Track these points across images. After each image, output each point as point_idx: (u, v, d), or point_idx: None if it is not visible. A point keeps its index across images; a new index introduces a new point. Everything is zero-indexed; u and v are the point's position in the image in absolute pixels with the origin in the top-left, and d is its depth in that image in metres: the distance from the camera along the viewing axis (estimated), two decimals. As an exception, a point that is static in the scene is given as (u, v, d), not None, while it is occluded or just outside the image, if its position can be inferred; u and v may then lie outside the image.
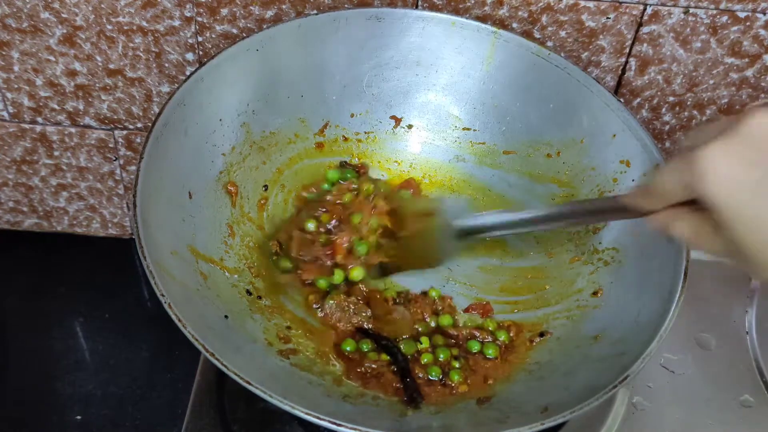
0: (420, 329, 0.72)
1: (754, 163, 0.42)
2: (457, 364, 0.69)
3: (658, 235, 0.67)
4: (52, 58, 0.82)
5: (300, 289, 0.73)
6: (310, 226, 0.74)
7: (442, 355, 0.69)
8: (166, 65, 0.83)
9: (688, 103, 0.84)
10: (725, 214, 0.43)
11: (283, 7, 0.78)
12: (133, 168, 0.91)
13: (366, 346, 0.70)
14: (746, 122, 0.42)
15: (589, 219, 0.68)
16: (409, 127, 0.82)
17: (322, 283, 0.72)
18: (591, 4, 0.77)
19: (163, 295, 0.57)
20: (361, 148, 0.82)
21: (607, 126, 0.74)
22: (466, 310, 0.74)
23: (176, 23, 0.79)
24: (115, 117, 0.87)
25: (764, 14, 0.77)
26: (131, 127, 0.89)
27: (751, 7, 0.76)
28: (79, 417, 0.86)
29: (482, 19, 0.79)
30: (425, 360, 0.69)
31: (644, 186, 0.51)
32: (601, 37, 0.79)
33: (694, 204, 0.47)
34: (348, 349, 0.69)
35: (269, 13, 0.79)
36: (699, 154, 0.43)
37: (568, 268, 0.74)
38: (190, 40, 0.81)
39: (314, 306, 0.72)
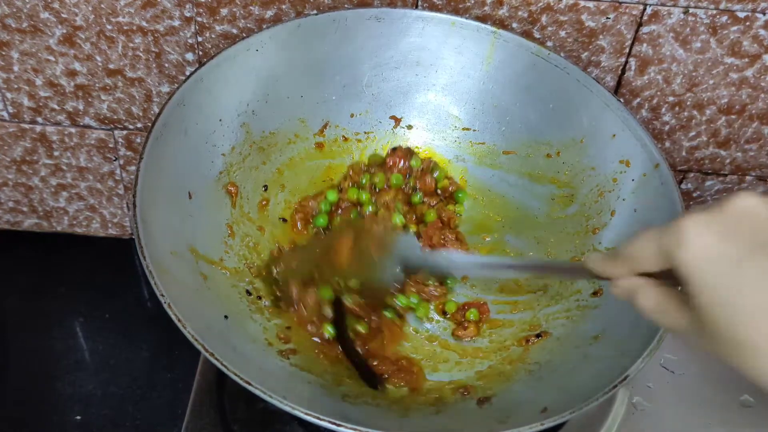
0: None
1: (734, 240, 0.42)
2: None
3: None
4: (52, 58, 0.82)
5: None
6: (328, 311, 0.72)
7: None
8: (166, 65, 0.83)
9: (688, 103, 0.84)
10: (696, 286, 0.42)
11: (283, 7, 0.78)
12: (133, 168, 0.91)
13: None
14: (732, 201, 0.43)
15: (549, 275, 0.73)
16: (409, 127, 0.82)
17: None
18: (591, 4, 0.77)
19: (163, 295, 0.57)
20: (361, 148, 0.82)
21: (606, 126, 0.74)
22: (462, 308, 0.74)
23: (176, 23, 0.79)
24: (115, 117, 0.87)
25: (764, 14, 0.77)
26: (131, 127, 0.89)
27: (751, 7, 0.76)
28: (79, 417, 0.86)
29: (482, 19, 0.79)
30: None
31: (617, 250, 0.50)
32: (600, 37, 0.79)
33: (661, 278, 0.47)
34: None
35: (269, 13, 0.79)
36: (680, 222, 0.43)
37: (568, 268, 0.74)
38: (190, 40, 0.81)
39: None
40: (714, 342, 0.43)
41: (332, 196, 0.77)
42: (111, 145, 0.90)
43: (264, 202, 0.76)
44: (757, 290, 0.41)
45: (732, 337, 0.42)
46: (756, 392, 0.78)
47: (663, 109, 0.85)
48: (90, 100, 0.86)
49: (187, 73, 0.79)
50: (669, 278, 0.46)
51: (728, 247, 0.42)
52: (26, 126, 0.88)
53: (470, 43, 0.77)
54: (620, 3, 0.77)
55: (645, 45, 0.80)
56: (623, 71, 0.82)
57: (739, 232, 0.42)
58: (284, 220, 0.77)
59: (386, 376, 0.68)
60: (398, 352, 0.71)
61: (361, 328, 0.70)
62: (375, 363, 0.68)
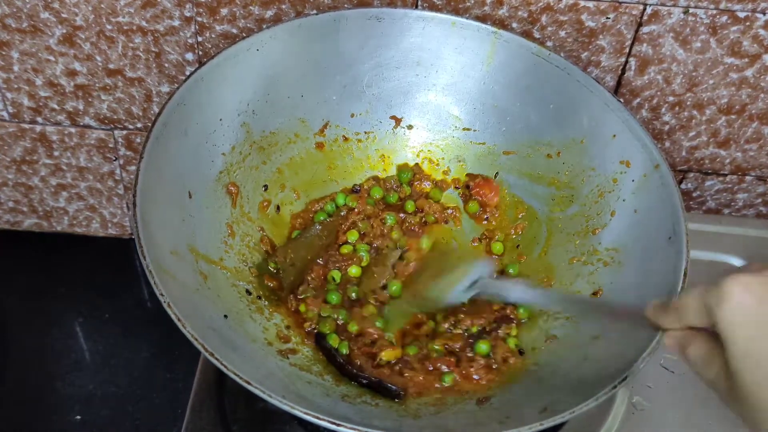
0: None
1: None
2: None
3: (659, 236, 0.67)
4: (52, 58, 0.82)
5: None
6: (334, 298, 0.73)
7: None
8: (166, 65, 0.83)
9: (688, 103, 0.84)
10: (730, 344, 0.44)
11: (283, 7, 0.78)
12: (133, 168, 0.91)
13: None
14: None
15: (607, 317, 0.67)
16: (410, 127, 0.82)
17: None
18: (591, 4, 0.77)
19: (162, 295, 0.57)
20: (361, 148, 0.82)
21: (607, 126, 0.74)
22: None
23: (176, 23, 0.79)
24: (115, 117, 0.87)
25: (764, 14, 0.77)
26: (131, 127, 0.89)
27: (751, 7, 0.76)
28: (79, 417, 0.86)
29: (482, 19, 0.79)
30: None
31: (666, 302, 0.51)
32: (600, 37, 0.79)
33: (713, 332, 0.47)
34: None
35: (269, 13, 0.79)
36: (724, 281, 0.44)
37: (567, 269, 0.74)
38: (189, 40, 0.81)
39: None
40: (741, 402, 0.44)
41: (341, 199, 0.78)
42: (111, 145, 0.90)
43: (265, 203, 0.76)
44: None
45: (758, 397, 0.43)
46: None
47: (663, 109, 0.85)
48: (90, 100, 0.86)
49: (187, 73, 0.79)
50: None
51: (764, 309, 0.43)
52: (26, 126, 0.88)
53: (471, 43, 0.77)
54: (620, 3, 0.77)
55: (645, 45, 0.80)
56: (623, 71, 0.82)
57: None
58: (278, 208, 0.77)
59: (403, 390, 0.68)
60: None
61: (343, 350, 0.69)
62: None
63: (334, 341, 0.69)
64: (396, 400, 0.65)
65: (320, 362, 0.68)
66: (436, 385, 0.68)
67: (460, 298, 0.70)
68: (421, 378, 0.68)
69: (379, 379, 0.67)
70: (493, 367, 0.69)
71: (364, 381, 0.66)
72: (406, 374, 0.68)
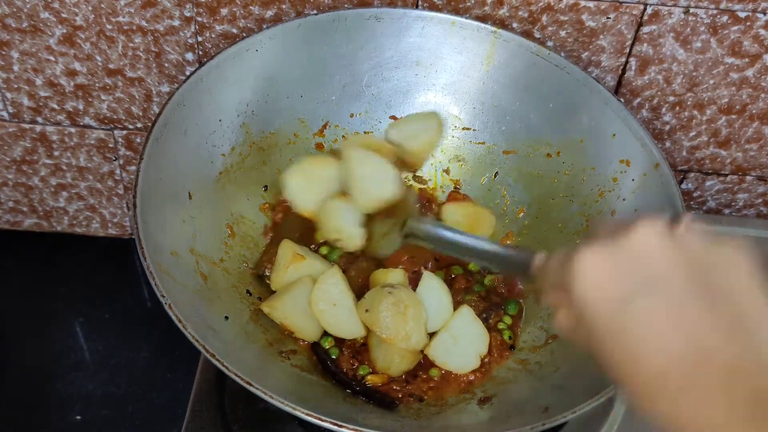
0: None
1: (624, 279, 0.42)
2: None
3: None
4: (52, 58, 0.82)
5: None
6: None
7: None
8: (166, 65, 0.83)
9: (688, 103, 0.84)
10: (587, 319, 0.43)
11: (283, 7, 0.78)
12: (133, 168, 0.91)
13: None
14: (630, 236, 0.42)
15: (504, 265, 0.62)
16: (409, 127, 0.82)
17: None
18: (591, 4, 0.77)
19: (163, 296, 0.57)
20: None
21: (607, 126, 0.74)
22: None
23: (176, 23, 0.79)
24: (115, 117, 0.87)
25: (764, 14, 0.77)
26: (131, 127, 0.89)
27: (751, 7, 0.76)
28: (79, 417, 0.86)
29: (482, 18, 0.79)
30: None
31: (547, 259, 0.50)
32: (601, 36, 0.79)
33: None
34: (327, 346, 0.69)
35: (269, 13, 0.79)
36: (577, 254, 0.43)
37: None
38: (189, 40, 0.81)
39: None
40: (603, 365, 0.44)
41: None
42: (111, 145, 0.90)
43: (265, 203, 0.76)
44: (640, 328, 0.41)
45: (622, 372, 0.43)
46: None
47: (663, 109, 0.85)
48: (90, 100, 0.86)
49: (187, 73, 0.79)
50: None
51: (618, 288, 0.42)
52: (26, 126, 0.88)
53: (470, 42, 0.77)
54: (621, 3, 0.76)
55: (645, 45, 0.80)
56: (623, 71, 0.82)
57: (630, 270, 0.42)
58: (265, 187, 0.76)
59: (397, 398, 0.67)
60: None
61: (332, 355, 0.69)
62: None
63: (328, 343, 0.69)
64: (390, 410, 0.65)
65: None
66: (429, 385, 0.68)
67: (393, 246, 0.66)
68: (411, 387, 0.68)
69: (373, 388, 0.67)
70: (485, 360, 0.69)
71: (357, 388, 0.66)
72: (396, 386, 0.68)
